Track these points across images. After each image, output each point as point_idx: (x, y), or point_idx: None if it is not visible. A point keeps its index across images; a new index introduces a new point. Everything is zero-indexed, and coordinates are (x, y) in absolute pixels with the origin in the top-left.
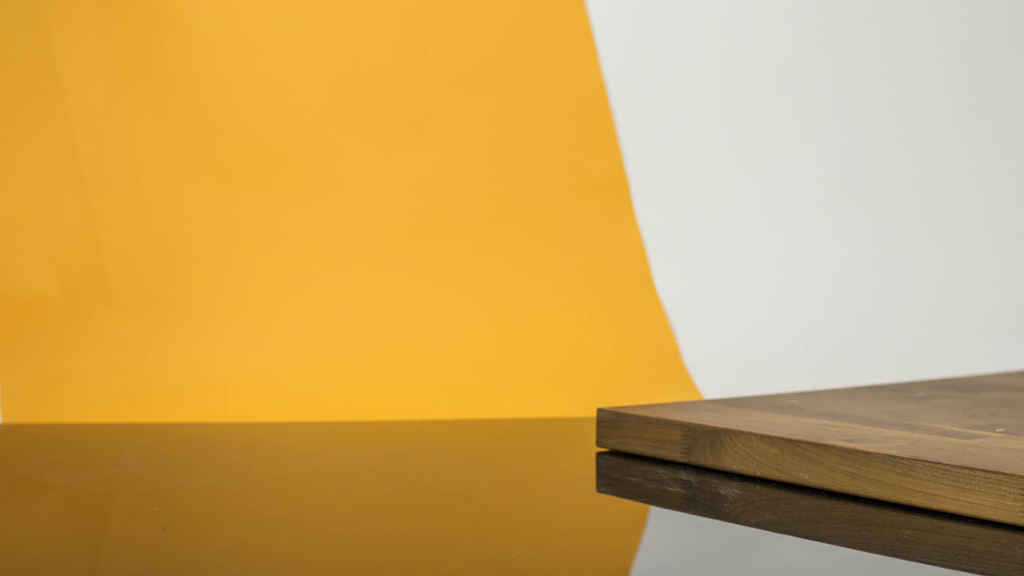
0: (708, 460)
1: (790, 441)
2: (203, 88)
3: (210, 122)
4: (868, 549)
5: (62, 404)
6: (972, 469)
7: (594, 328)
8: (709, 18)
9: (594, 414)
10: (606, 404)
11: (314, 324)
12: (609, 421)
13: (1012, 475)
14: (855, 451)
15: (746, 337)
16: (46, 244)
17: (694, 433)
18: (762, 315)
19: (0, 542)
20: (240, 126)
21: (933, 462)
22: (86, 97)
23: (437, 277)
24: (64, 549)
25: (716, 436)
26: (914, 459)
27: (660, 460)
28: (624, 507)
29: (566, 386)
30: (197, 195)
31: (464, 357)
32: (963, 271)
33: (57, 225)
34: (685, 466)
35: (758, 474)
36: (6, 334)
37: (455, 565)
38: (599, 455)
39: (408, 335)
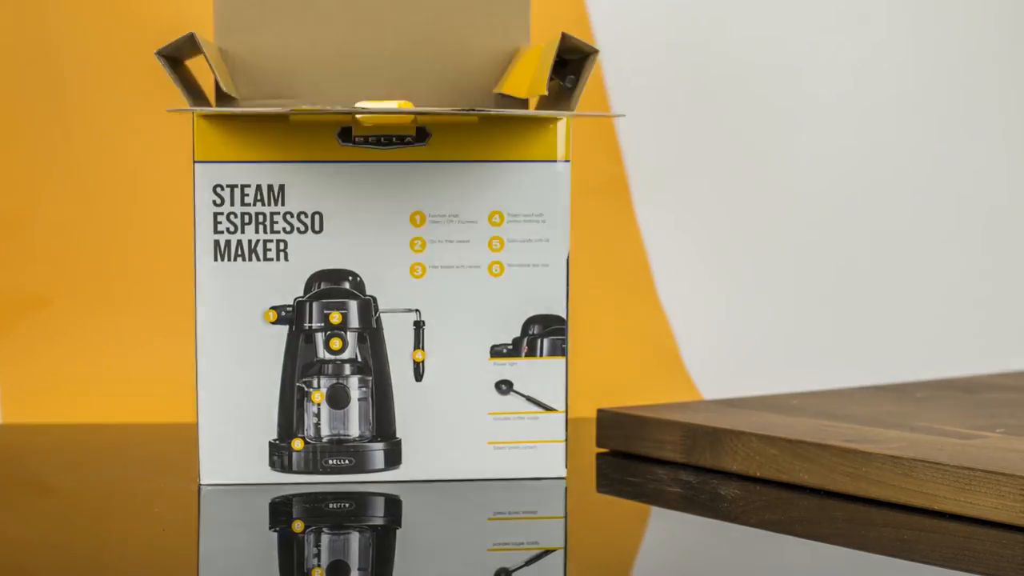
0: (708, 460)
1: (790, 441)
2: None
3: None
4: (868, 549)
5: (62, 404)
6: (972, 469)
7: (594, 328)
8: (709, 18)
9: (594, 414)
10: (606, 404)
11: None
12: (609, 421)
13: (1012, 475)
14: (855, 451)
15: (746, 337)
16: (46, 244)
17: (694, 433)
18: (762, 315)
19: (0, 542)
20: None
21: (933, 462)
22: (86, 97)
23: None
24: (64, 549)
25: (716, 436)
26: (914, 459)
27: (660, 460)
28: (624, 507)
29: None
30: None
31: None
32: (963, 272)
33: (57, 225)
34: (685, 466)
35: (758, 474)
36: (6, 334)
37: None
38: (599, 455)
39: None
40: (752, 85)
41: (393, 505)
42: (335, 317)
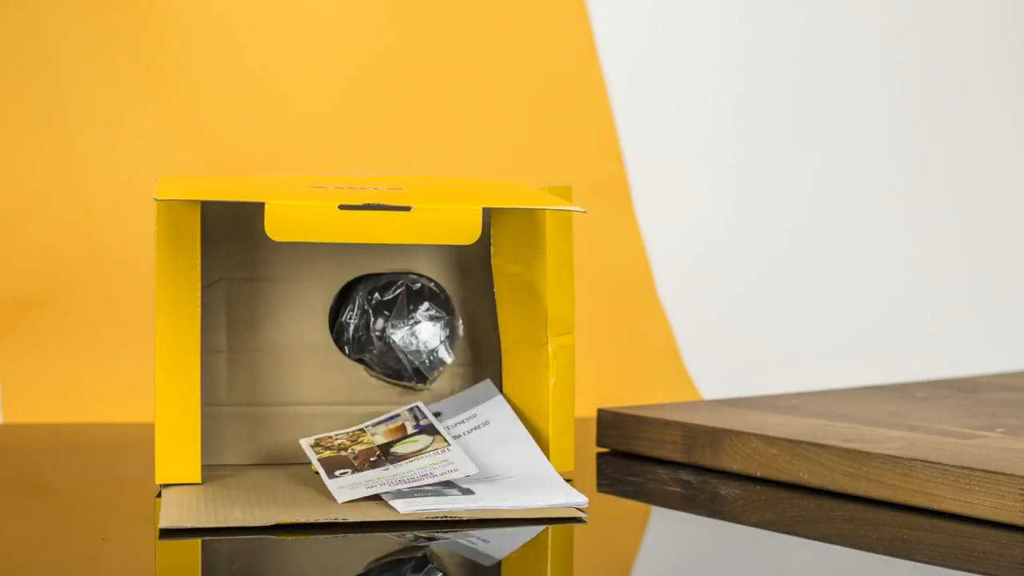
0: (708, 460)
1: (790, 441)
2: (203, 88)
3: (209, 122)
4: (868, 549)
5: (62, 404)
6: (972, 469)
7: (594, 328)
8: (709, 18)
9: (594, 414)
10: (606, 404)
11: None
12: (609, 421)
13: (1012, 475)
14: (855, 451)
15: (746, 337)
16: (46, 244)
17: (694, 433)
18: (762, 315)
19: (0, 542)
20: (239, 126)
21: (933, 462)
22: (86, 97)
23: None
24: (64, 549)
25: (716, 436)
26: (914, 459)
27: (660, 460)
28: (624, 507)
29: None
30: None
31: None
32: (963, 271)
33: (57, 225)
34: (685, 466)
35: (758, 474)
36: (6, 334)
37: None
38: (599, 455)
39: None
40: (752, 85)
41: None
42: None
